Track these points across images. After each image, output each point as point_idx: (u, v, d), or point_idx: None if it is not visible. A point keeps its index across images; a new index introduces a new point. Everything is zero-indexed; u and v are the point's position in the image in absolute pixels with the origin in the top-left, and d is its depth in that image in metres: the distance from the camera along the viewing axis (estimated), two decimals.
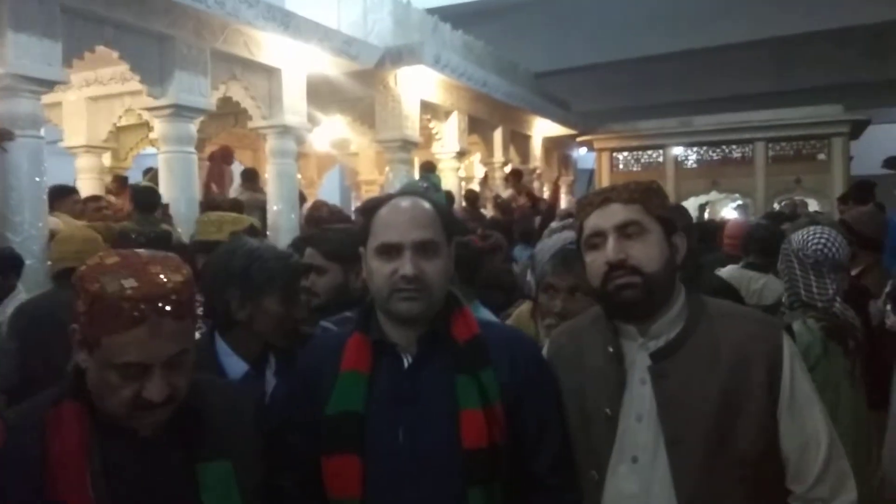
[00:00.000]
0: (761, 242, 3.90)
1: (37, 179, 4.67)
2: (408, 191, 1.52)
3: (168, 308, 1.17)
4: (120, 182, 8.14)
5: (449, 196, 8.75)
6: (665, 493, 1.40)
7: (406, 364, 1.44)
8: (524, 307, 2.37)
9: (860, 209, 5.42)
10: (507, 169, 11.27)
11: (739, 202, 14.43)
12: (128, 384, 1.18)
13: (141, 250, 1.30)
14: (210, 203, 6.39)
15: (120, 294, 1.15)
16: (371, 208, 1.49)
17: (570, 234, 2.00)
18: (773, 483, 1.42)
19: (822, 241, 2.46)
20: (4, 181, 4.58)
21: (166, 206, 5.79)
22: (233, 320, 1.77)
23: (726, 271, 3.91)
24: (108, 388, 1.19)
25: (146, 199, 5.41)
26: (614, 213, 1.49)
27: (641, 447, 1.44)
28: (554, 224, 2.22)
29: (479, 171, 11.94)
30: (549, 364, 1.59)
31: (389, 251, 1.41)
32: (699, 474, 1.39)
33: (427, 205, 1.47)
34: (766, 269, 3.78)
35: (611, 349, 1.51)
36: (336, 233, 2.33)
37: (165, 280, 1.19)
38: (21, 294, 3.68)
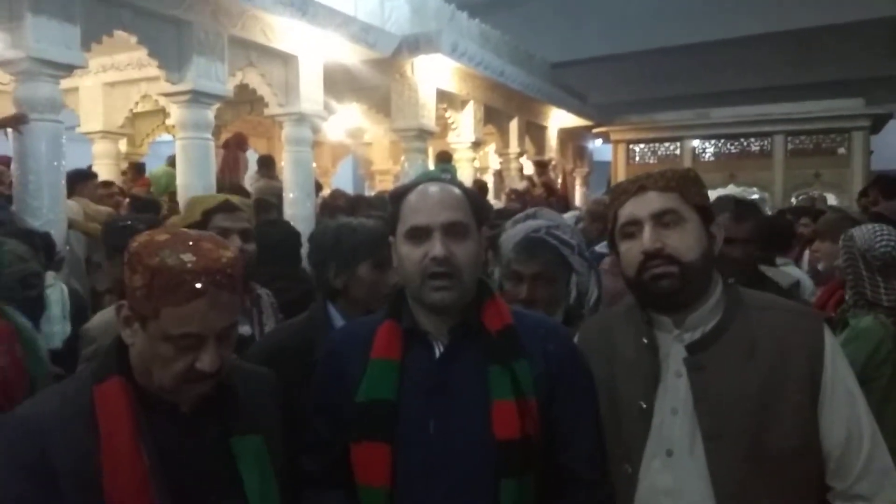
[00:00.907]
0: (764, 236, 3.96)
1: (55, 164, 4.66)
2: (433, 177, 1.49)
3: (224, 281, 1.22)
4: (136, 169, 8.18)
5: (481, 185, 8.71)
6: (701, 488, 1.37)
7: (438, 353, 1.41)
8: None
9: (892, 203, 5.35)
10: (523, 160, 11.21)
11: (757, 196, 14.32)
12: (182, 356, 1.21)
13: (185, 229, 1.35)
14: (220, 190, 6.40)
15: (181, 267, 1.18)
16: (399, 195, 1.47)
17: (532, 224, 2.05)
18: (812, 479, 1.39)
19: (892, 242, 2.43)
20: (24, 165, 4.58)
21: (173, 194, 5.82)
22: (335, 290, 1.92)
23: None
24: (161, 361, 1.22)
25: (144, 208, 5.48)
26: (650, 202, 1.45)
27: (677, 441, 1.41)
28: (518, 215, 2.24)
29: (494, 162, 11.89)
30: (584, 356, 1.55)
31: (419, 234, 1.38)
32: (738, 469, 1.35)
33: (456, 189, 1.45)
34: (772, 260, 3.82)
35: (645, 340, 1.48)
36: None
37: (220, 255, 1.23)
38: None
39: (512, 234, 2.06)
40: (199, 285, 1.18)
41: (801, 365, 1.38)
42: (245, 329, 2.02)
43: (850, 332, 2.59)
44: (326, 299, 1.97)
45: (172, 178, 6.29)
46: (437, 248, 1.35)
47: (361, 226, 1.99)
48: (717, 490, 1.35)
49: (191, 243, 1.22)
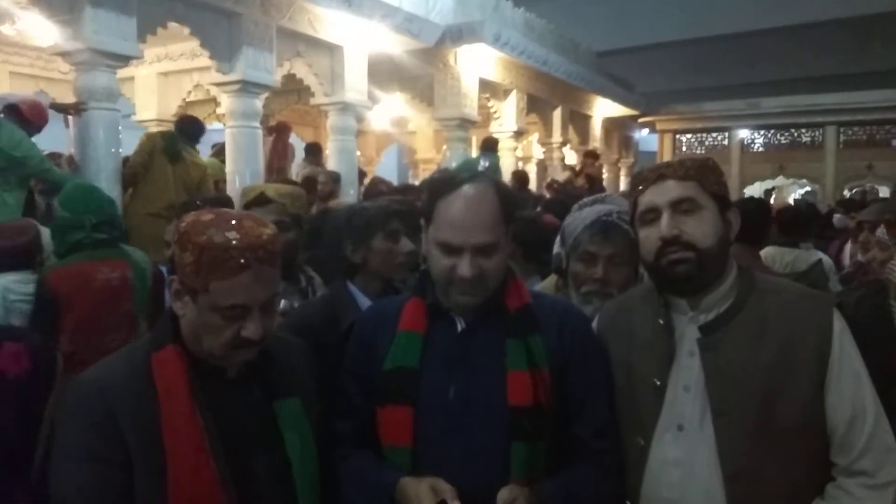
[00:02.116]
0: (788, 222, 4.59)
1: (113, 150, 4.90)
2: (472, 173, 1.54)
3: (266, 256, 1.32)
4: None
5: (521, 175, 8.66)
6: (710, 461, 1.44)
7: (460, 328, 1.52)
8: (548, 281, 2.42)
9: None
10: (566, 150, 11.16)
11: (808, 188, 14.01)
12: (230, 325, 1.32)
13: (227, 209, 1.46)
14: (268, 177, 6.59)
15: (227, 244, 1.29)
16: (437, 191, 1.50)
17: (602, 207, 2.04)
18: (817, 455, 1.44)
19: None
20: (83, 152, 4.82)
21: (217, 182, 6.03)
22: (354, 265, 2.04)
23: (765, 251, 4.20)
24: (211, 330, 1.33)
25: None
26: (669, 190, 1.51)
27: (688, 417, 1.48)
28: (585, 199, 2.24)
29: (538, 152, 11.87)
30: (597, 334, 1.64)
31: (450, 249, 1.45)
32: (744, 445, 1.42)
33: (491, 196, 1.47)
34: (795, 244, 4.47)
35: (661, 321, 1.55)
36: None
37: (261, 233, 1.33)
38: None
39: (581, 216, 2.06)
40: (243, 260, 1.29)
41: (810, 346, 1.43)
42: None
43: None
44: (346, 278, 2.08)
45: (217, 167, 6.49)
46: (466, 269, 1.43)
47: (370, 204, 2.14)
48: (723, 463, 1.42)
49: (234, 222, 1.33)
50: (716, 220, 1.50)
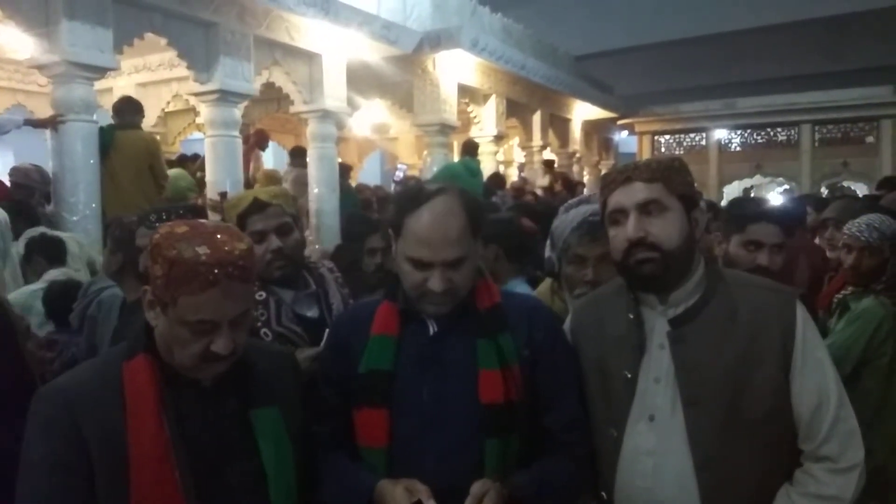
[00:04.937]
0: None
1: (91, 162, 4.89)
2: (445, 177, 1.56)
3: (237, 273, 1.30)
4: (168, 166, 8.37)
5: (498, 178, 8.69)
6: (681, 450, 1.48)
7: (431, 330, 1.55)
8: (543, 285, 2.45)
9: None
10: (545, 154, 11.23)
11: (785, 186, 14.18)
12: (198, 339, 1.32)
13: (204, 220, 1.45)
14: (248, 184, 6.59)
15: (196, 260, 1.27)
16: (405, 206, 1.51)
17: (588, 208, 2.04)
18: (785, 443, 1.49)
19: None
20: (61, 163, 4.81)
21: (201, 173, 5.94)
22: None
23: None
24: (180, 343, 1.33)
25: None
26: (636, 192, 1.54)
27: (659, 407, 1.52)
28: (571, 200, 2.24)
29: (518, 155, 11.94)
30: (565, 331, 1.69)
31: (421, 265, 1.48)
32: (714, 434, 1.46)
33: (458, 209, 1.48)
34: None
35: (631, 316, 1.59)
36: None
37: (233, 247, 1.32)
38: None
39: (568, 219, 2.07)
40: (211, 277, 1.27)
41: (775, 337, 1.48)
42: (313, 312, 2.06)
43: (850, 315, 2.68)
44: None
45: (185, 178, 6.44)
46: (437, 284, 1.47)
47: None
48: (694, 451, 1.46)
49: (207, 236, 1.31)
50: (681, 220, 1.54)
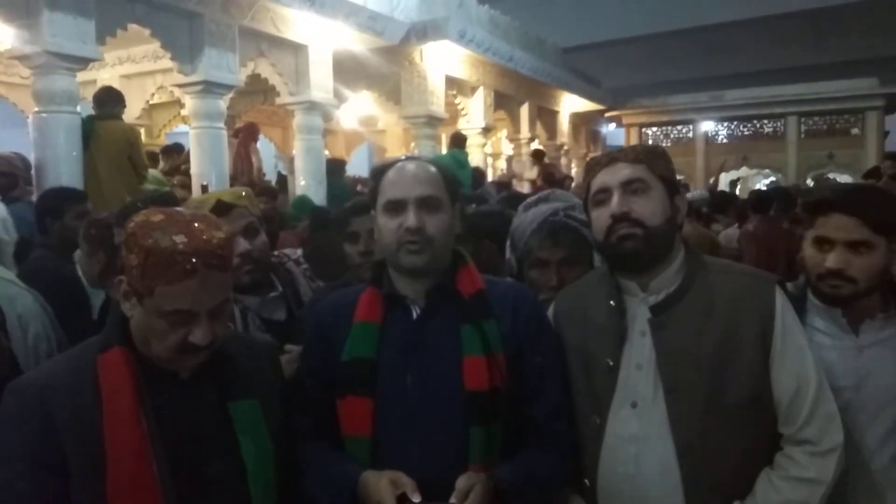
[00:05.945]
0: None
1: (74, 154, 4.85)
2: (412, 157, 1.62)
3: (215, 262, 1.28)
4: (153, 159, 8.32)
5: (479, 172, 8.70)
6: (663, 436, 1.48)
7: (415, 315, 1.54)
8: None
9: None
10: (534, 146, 11.23)
11: (772, 178, 14.26)
12: (175, 329, 1.29)
13: (180, 209, 1.40)
14: (233, 182, 6.53)
15: (173, 249, 1.24)
16: (379, 171, 1.60)
17: (547, 207, 1.99)
18: (765, 427, 1.50)
19: None
20: (43, 155, 4.76)
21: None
22: None
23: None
24: (157, 334, 1.30)
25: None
26: (620, 171, 1.57)
27: (641, 394, 1.52)
28: (528, 199, 2.18)
29: (506, 148, 11.94)
30: (553, 318, 1.69)
31: (395, 207, 1.52)
32: (695, 419, 1.47)
33: (431, 167, 1.58)
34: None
35: (612, 303, 1.59)
36: None
37: (211, 236, 1.29)
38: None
39: (527, 219, 2.01)
40: (189, 266, 1.24)
41: (754, 323, 1.49)
42: (280, 315, 2.00)
43: None
44: None
45: (159, 182, 6.34)
46: (410, 219, 1.49)
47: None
48: (676, 437, 1.47)
49: (183, 225, 1.28)
50: (664, 200, 1.56)
